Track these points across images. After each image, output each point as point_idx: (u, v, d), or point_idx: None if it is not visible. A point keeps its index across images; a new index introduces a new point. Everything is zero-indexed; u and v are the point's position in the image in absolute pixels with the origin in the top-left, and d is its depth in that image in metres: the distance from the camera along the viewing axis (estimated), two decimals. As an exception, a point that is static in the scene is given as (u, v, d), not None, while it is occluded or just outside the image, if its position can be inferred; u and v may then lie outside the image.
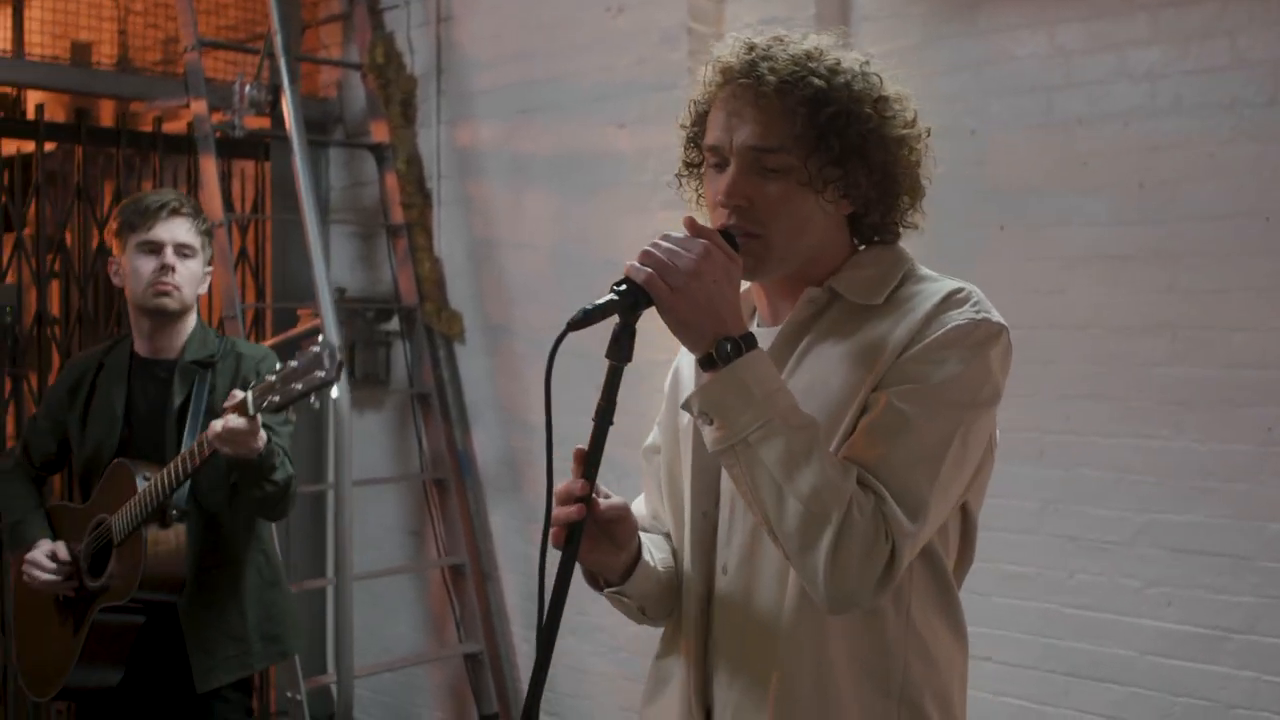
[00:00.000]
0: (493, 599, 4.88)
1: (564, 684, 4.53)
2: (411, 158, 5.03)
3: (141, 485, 2.96)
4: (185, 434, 3.04)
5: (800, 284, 1.71)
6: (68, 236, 5.03)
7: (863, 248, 1.76)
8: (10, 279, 4.83)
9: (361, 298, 5.26)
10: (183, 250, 3.09)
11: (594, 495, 1.63)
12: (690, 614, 1.75)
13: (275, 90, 4.59)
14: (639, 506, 1.93)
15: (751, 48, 1.66)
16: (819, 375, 1.65)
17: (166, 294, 3.06)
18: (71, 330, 4.94)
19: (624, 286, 1.55)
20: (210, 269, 3.20)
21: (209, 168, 4.64)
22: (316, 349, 2.79)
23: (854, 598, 1.52)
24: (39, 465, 3.31)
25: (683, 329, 1.56)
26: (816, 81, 1.62)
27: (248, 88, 4.57)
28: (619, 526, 1.71)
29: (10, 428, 4.73)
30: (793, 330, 1.71)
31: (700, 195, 1.76)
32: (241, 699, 3.17)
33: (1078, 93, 3.55)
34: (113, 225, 3.17)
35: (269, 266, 5.39)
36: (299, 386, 2.76)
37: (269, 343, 4.60)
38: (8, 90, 5.29)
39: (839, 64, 1.65)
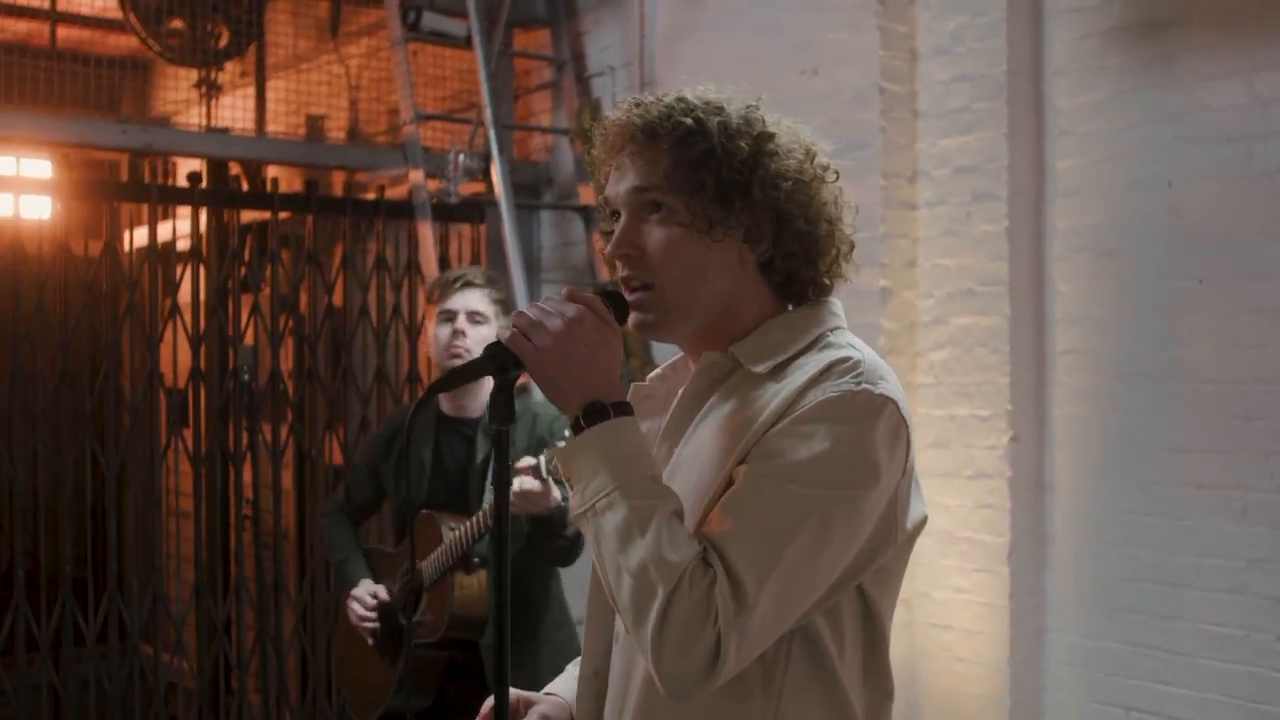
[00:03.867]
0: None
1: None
2: (616, 219, 5.20)
3: (447, 535, 3.28)
4: (488, 487, 3.29)
5: (716, 347, 1.64)
6: (300, 298, 5.33)
7: (790, 308, 1.67)
8: (249, 340, 5.17)
9: (570, 354, 5.43)
10: (474, 317, 3.41)
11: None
12: (585, 676, 1.73)
13: (487, 158, 4.84)
14: None
15: (637, 104, 1.64)
16: (702, 445, 1.59)
17: (458, 356, 3.36)
18: (302, 387, 5.11)
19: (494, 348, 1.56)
20: None
21: (425, 233, 4.92)
22: None
23: (683, 683, 1.43)
24: (357, 508, 3.72)
25: (550, 389, 1.54)
26: (686, 120, 1.59)
27: (461, 157, 4.82)
28: None
29: (248, 476, 5.04)
30: (691, 397, 1.65)
31: None
32: None
33: (1277, 142, 3.47)
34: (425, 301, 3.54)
35: (484, 324, 5.63)
36: None
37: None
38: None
39: (722, 108, 1.61)
